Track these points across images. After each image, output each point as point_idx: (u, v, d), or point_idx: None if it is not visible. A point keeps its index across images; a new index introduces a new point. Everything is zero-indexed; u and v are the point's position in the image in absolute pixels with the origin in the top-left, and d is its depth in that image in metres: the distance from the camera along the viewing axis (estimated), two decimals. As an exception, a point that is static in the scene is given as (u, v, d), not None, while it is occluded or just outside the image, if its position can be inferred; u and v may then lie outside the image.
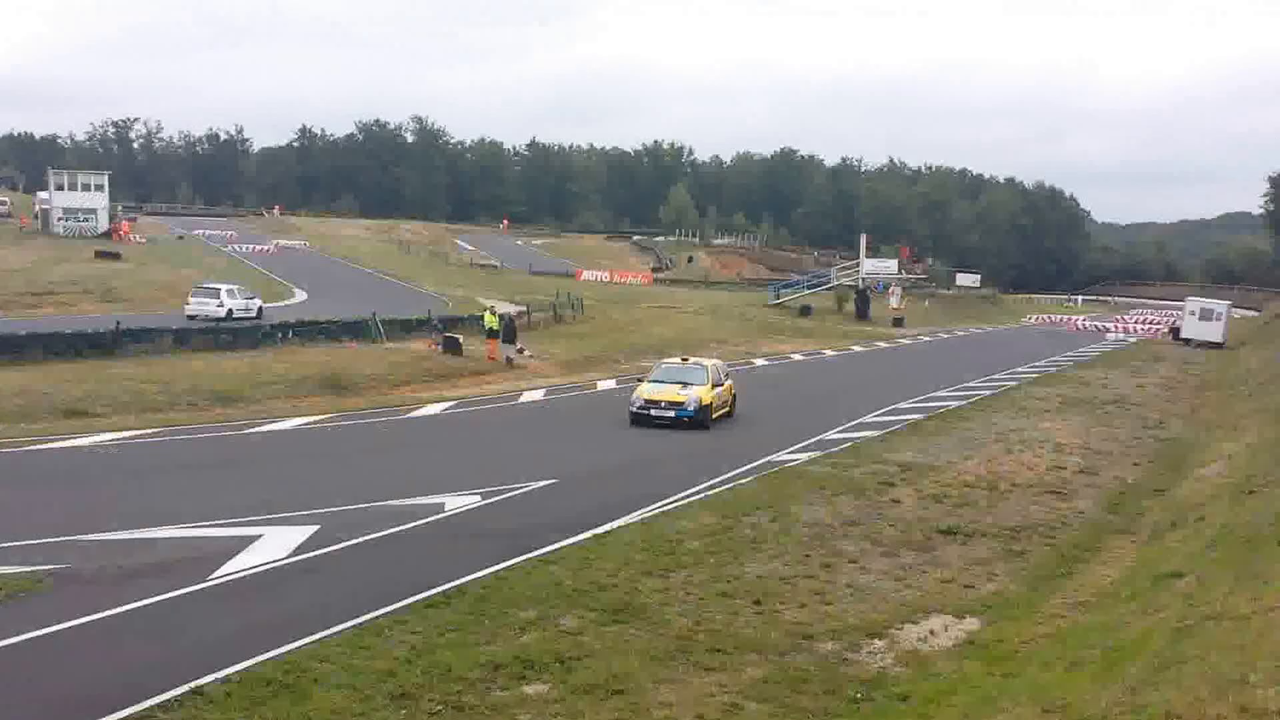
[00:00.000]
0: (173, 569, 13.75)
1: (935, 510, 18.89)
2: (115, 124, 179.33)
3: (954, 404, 33.73)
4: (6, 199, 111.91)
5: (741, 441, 26.03)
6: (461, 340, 40.89)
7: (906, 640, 12.36)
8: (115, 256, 71.60)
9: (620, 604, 12.85)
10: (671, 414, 26.80)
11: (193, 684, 9.94)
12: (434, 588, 13.30)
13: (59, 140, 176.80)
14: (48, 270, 62.32)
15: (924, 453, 24.39)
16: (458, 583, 13.55)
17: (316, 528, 16.03)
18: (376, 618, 12.15)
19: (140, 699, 9.56)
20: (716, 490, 19.95)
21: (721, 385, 28.66)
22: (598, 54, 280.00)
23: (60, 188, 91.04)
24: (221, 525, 16.14)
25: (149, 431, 24.69)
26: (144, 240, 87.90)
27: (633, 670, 10.74)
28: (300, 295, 62.04)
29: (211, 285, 50.86)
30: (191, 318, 45.86)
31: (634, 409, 27.39)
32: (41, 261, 67.36)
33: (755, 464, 22.75)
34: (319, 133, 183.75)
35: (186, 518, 16.54)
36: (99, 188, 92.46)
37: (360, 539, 15.67)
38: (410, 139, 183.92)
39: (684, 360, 30.35)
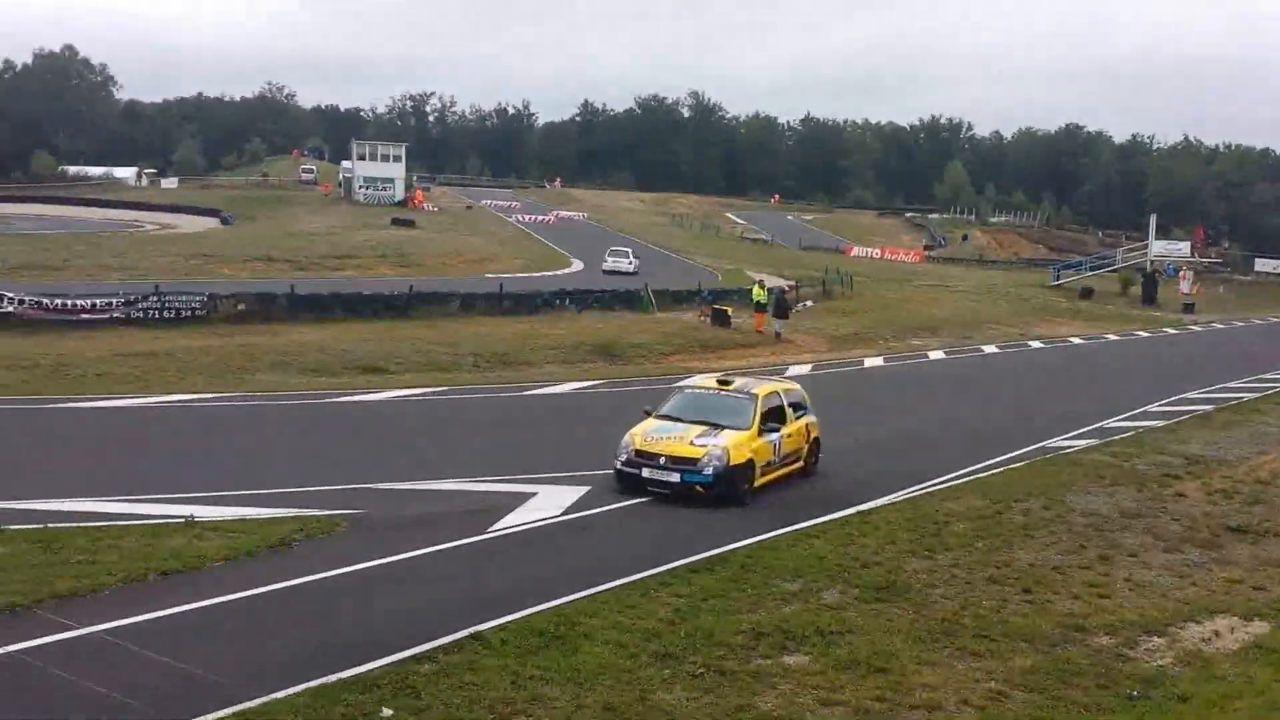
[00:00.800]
0: (455, 520, 14.57)
1: (1224, 506, 17.61)
2: (413, 98, 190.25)
3: (1247, 396, 31.28)
4: (313, 167, 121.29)
5: (1013, 427, 25.11)
6: (730, 312, 41.21)
7: (1188, 640, 11.64)
8: (409, 224, 76.15)
9: (884, 582, 12.69)
10: (674, 478, 16.12)
11: (472, 629, 10.50)
12: (698, 553, 13.55)
13: (362, 113, 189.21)
14: (349, 235, 66.89)
15: (1213, 446, 22.76)
16: (721, 550, 13.76)
17: (587, 488, 16.63)
18: (643, 578, 12.49)
19: (423, 640, 10.19)
20: (986, 474, 19.33)
21: (780, 430, 17.63)
22: (875, 30, 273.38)
23: (362, 158, 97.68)
24: (499, 481, 16.98)
25: (436, 389, 26.17)
26: (435, 209, 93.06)
27: (895, 650, 10.60)
28: (577, 265, 64.03)
29: (622, 248, 65.21)
30: (607, 273, 58.16)
31: (619, 463, 16.70)
32: (343, 227, 72.47)
33: (1027, 449, 21.90)
34: (600, 108, 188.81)
35: (467, 472, 17.52)
36: (397, 158, 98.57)
37: (628, 502, 16.14)
38: (687, 114, 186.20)
39: (721, 384, 18.50)
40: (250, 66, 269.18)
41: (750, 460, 16.64)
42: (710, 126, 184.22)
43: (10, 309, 29.63)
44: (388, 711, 8.71)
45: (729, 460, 16.19)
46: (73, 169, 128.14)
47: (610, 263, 61.71)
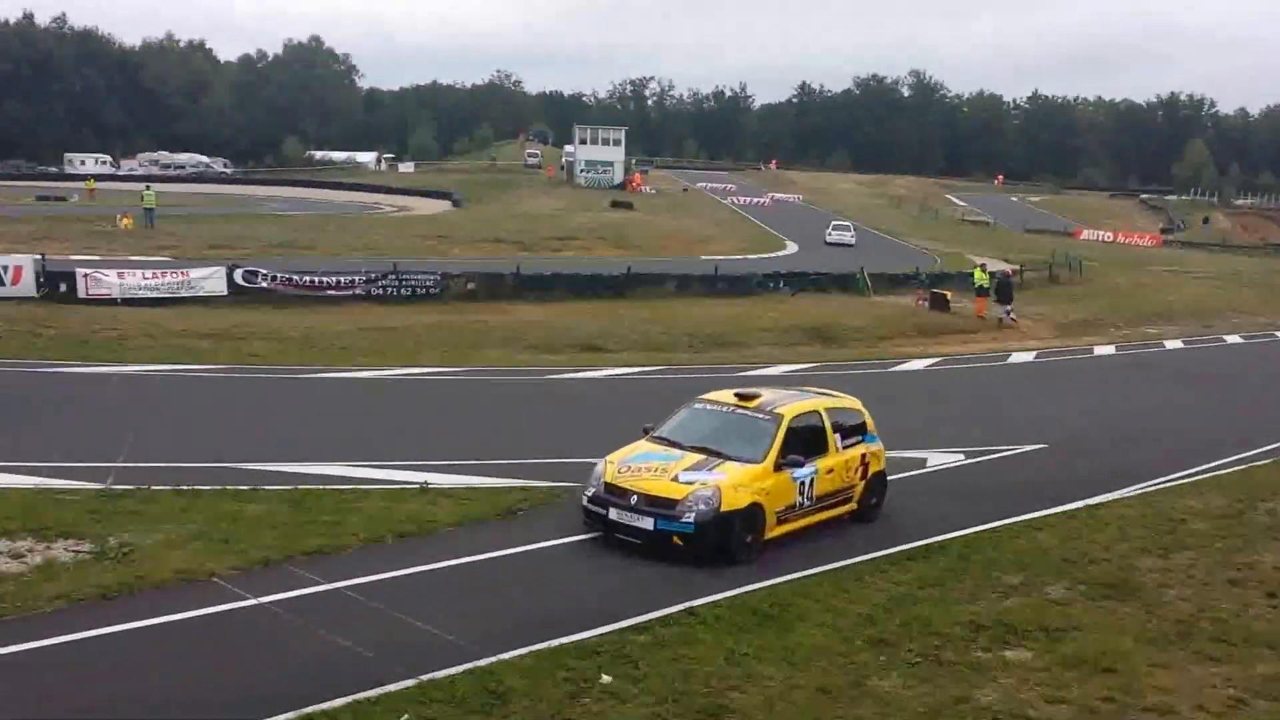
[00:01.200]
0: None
1: None
2: (633, 82, 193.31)
3: None
4: (538, 151, 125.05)
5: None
6: (949, 297, 40.24)
7: None
8: (628, 206, 77.39)
9: (1113, 580, 12.19)
10: (647, 524, 12.40)
11: (686, 604, 10.74)
12: (914, 541, 13.40)
13: (584, 98, 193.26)
14: (570, 217, 68.51)
15: None
16: (939, 538, 13.55)
17: (802, 471, 16.57)
18: (856, 563, 12.47)
19: (641, 612, 10.50)
20: (1227, 471, 18.28)
21: (812, 464, 13.49)
22: (1110, 2, 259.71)
23: (583, 142, 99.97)
24: (715, 460, 17.11)
25: (652, 369, 26.60)
26: (653, 192, 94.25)
27: (1125, 650, 10.18)
28: (791, 247, 63.71)
29: (843, 222, 71.70)
30: (830, 245, 64.61)
31: (586, 499, 13.10)
32: (565, 209, 74.30)
33: (1274, 445, 20.56)
34: (818, 88, 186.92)
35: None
36: (616, 142, 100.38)
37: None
38: (907, 93, 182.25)
39: (741, 400, 14.09)
40: (481, 54, 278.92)
41: (755, 505, 12.62)
42: (931, 105, 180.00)
43: (265, 285, 31.84)
44: (607, 678, 9.01)
45: (719, 505, 12.24)
46: (318, 154, 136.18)
47: (834, 235, 67.24)
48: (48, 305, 28.12)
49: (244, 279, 31.80)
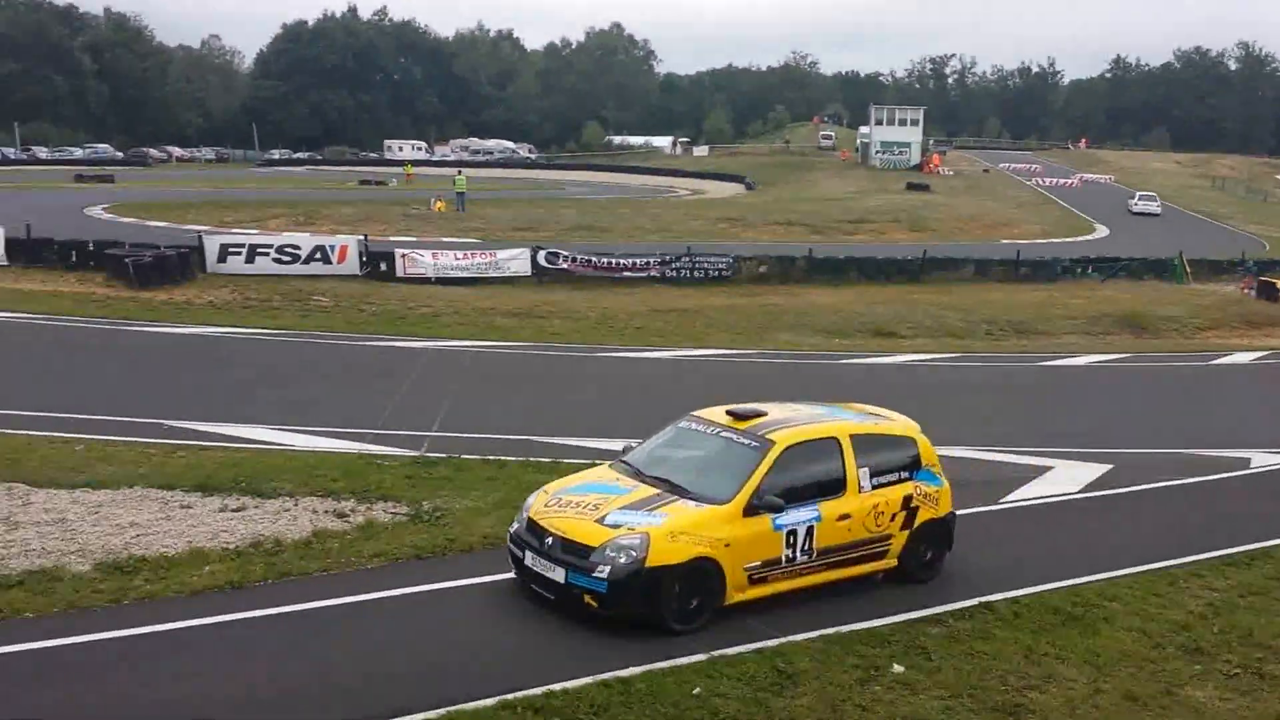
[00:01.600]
0: (965, 489, 14.35)
1: None
2: (932, 61, 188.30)
3: None
4: (832, 133, 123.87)
5: None
6: (1279, 285, 37.09)
7: None
8: (924, 188, 75.44)
9: None
10: (558, 576, 9.49)
11: (981, 599, 10.45)
12: (1235, 545, 12.47)
13: (881, 78, 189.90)
14: (864, 200, 67.53)
15: None
16: (1264, 544, 12.54)
17: (1109, 467, 15.78)
18: (1169, 567, 11.71)
19: (935, 604, 10.32)
20: None
21: (807, 509, 10.01)
22: None
23: (879, 123, 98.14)
24: (1013, 453, 16.50)
25: (948, 355, 25.91)
26: (951, 173, 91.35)
27: None
28: (1101, 231, 60.35)
29: (1148, 193, 73.00)
30: (1135, 214, 67.98)
31: (509, 535, 10.33)
32: (859, 191, 73.29)
33: None
34: (1134, 63, 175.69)
35: (980, 441, 17.16)
36: (914, 123, 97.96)
37: (1155, 484, 15.14)
38: (1233, 66, 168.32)
39: (734, 420, 10.64)
40: (776, 36, 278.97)
41: (704, 560, 9.47)
42: (1261, 79, 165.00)
43: (565, 266, 33.24)
44: (899, 668, 8.89)
45: (644, 558, 9.25)
46: (616, 138, 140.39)
47: (1139, 205, 70.12)
48: (369, 283, 30.44)
49: (546, 260, 33.28)
